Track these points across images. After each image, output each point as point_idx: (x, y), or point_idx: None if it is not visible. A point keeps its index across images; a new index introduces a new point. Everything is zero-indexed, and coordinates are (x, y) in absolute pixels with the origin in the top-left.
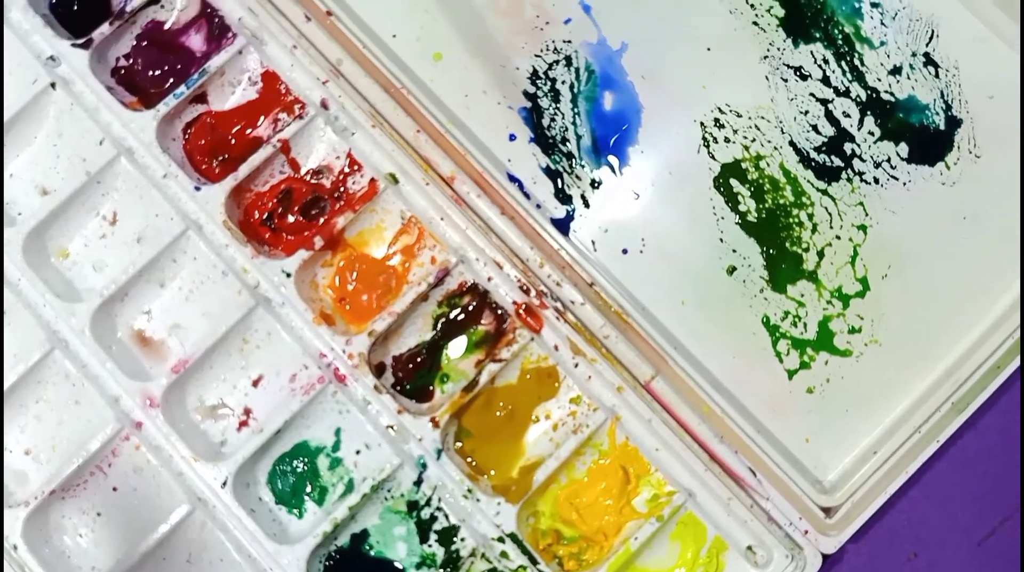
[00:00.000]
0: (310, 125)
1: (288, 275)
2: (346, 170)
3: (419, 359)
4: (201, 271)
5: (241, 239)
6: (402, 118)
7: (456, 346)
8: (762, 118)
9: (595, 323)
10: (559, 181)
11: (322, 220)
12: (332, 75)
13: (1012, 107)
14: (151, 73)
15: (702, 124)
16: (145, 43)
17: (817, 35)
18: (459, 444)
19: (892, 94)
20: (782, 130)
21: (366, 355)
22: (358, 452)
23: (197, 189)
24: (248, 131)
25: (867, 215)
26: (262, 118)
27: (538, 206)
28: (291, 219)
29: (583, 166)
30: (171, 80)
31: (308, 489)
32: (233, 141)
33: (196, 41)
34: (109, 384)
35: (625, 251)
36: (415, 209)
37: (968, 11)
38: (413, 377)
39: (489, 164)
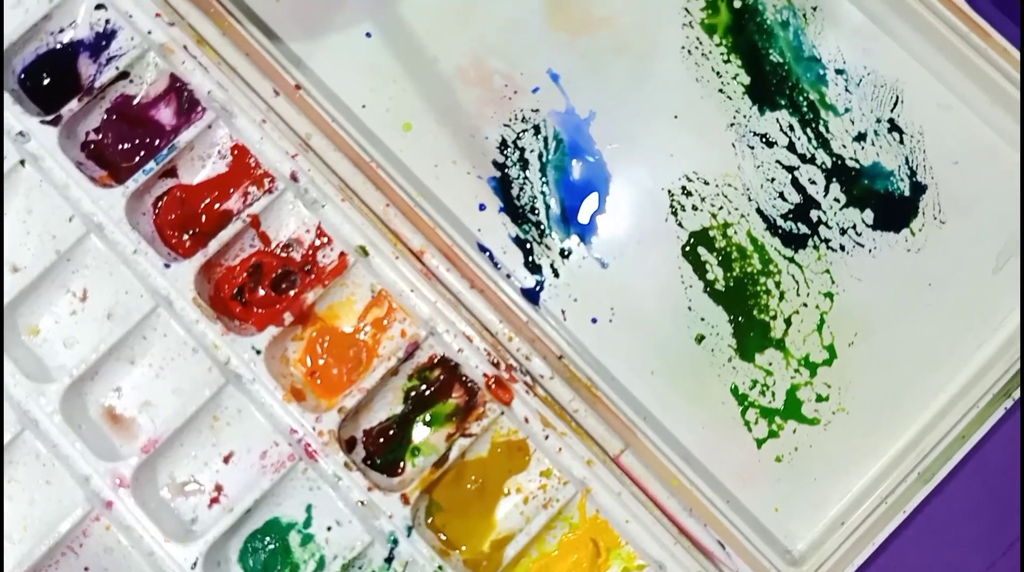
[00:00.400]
0: (280, 199)
1: (258, 352)
2: (316, 243)
3: (390, 433)
4: (171, 348)
5: (211, 316)
6: (371, 192)
7: (427, 419)
8: (729, 185)
9: (564, 397)
10: (529, 251)
11: (293, 293)
12: (301, 149)
13: (976, 173)
14: (121, 147)
15: (670, 192)
16: (115, 117)
17: (782, 102)
18: (430, 519)
19: (857, 161)
20: (749, 197)
21: (336, 432)
22: (329, 528)
23: (167, 266)
24: (218, 205)
25: (833, 282)
26: (232, 191)
27: (508, 276)
28: (262, 293)
29: (552, 236)
30: (141, 153)
31: (279, 567)
32: (203, 215)
33: (166, 115)
34: (79, 464)
35: (595, 320)
36: (385, 282)
37: (932, 77)
38: (384, 451)
39: (459, 236)
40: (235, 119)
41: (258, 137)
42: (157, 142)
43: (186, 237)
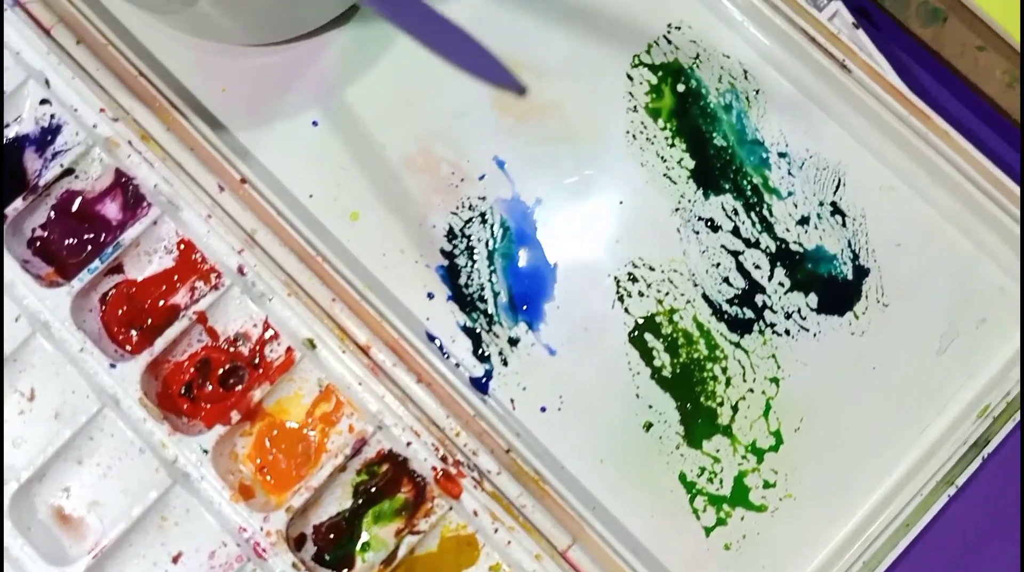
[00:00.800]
0: (226, 294)
1: (206, 451)
2: (264, 337)
3: (340, 528)
4: (119, 448)
5: (158, 416)
6: (318, 286)
7: (377, 514)
8: (675, 271)
9: (512, 492)
10: (478, 339)
11: (241, 388)
12: (247, 244)
13: (919, 254)
14: (68, 242)
15: (616, 279)
16: (61, 213)
17: (727, 186)
18: None
19: (801, 244)
20: (695, 283)
21: (284, 532)
22: None
23: (112, 366)
24: (165, 300)
25: (779, 367)
26: (179, 286)
27: (457, 365)
28: (210, 389)
29: (501, 323)
30: (88, 249)
31: None
32: (151, 310)
33: (112, 210)
34: (28, 568)
35: (544, 409)
36: (333, 376)
37: (874, 159)
38: (334, 547)
39: (406, 328)
40: (181, 213)
41: (204, 231)
42: (103, 237)
43: (134, 333)
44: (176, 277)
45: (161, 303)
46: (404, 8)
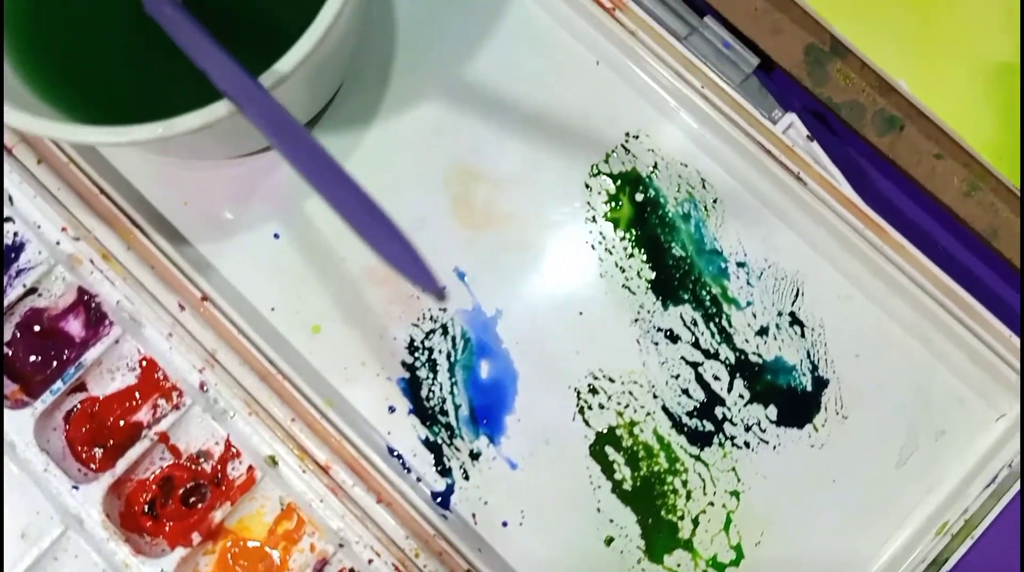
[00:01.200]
0: (188, 412)
1: None
2: (226, 456)
3: None
4: (83, 569)
5: (120, 537)
6: (277, 406)
7: None
8: (635, 383)
9: None
10: (439, 453)
11: (203, 506)
12: (208, 363)
13: (877, 365)
14: (32, 360)
15: (577, 391)
16: (25, 331)
17: (686, 297)
18: None
19: (760, 355)
20: (654, 395)
21: None
22: None
23: (75, 488)
24: (127, 419)
25: (739, 480)
26: (142, 404)
27: (418, 480)
28: (172, 506)
29: (462, 437)
30: (53, 365)
31: None
32: (115, 428)
33: (75, 327)
34: None
35: (505, 524)
36: (294, 494)
37: (832, 268)
38: None
39: (367, 445)
40: (143, 330)
41: (166, 349)
42: (68, 353)
43: (98, 451)
44: (138, 394)
45: (123, 423)
46: (328, 180)
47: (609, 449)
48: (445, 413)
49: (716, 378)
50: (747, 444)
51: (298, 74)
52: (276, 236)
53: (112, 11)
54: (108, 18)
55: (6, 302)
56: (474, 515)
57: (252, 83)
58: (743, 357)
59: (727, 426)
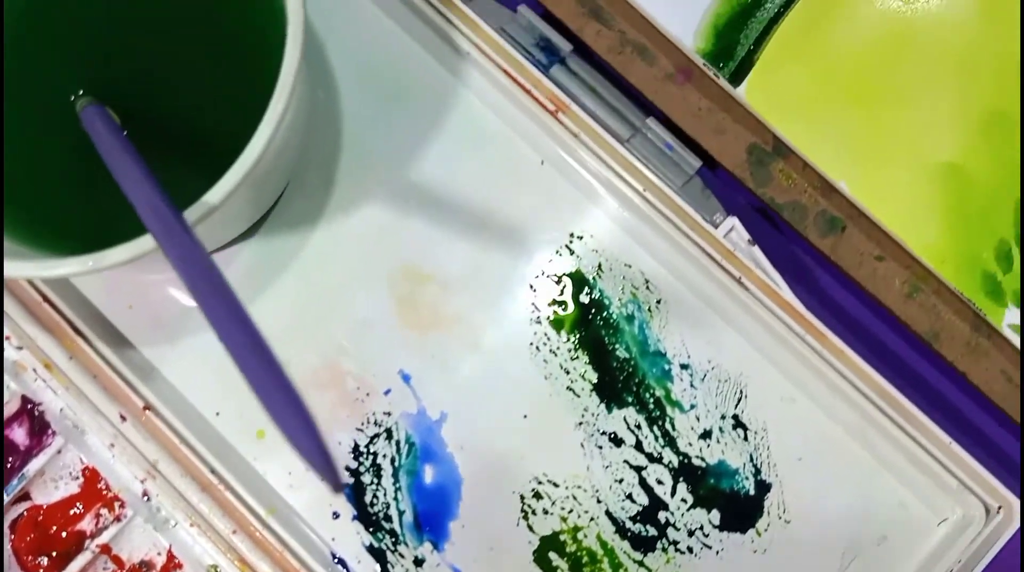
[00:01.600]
0: (130, 523)
1: None
2: (168, 566)
3: None
4: None
5: None
6: (219, 517)
7: None
8: (579, 487)
9: None
10: (384, 560)
11: None
12: (150, 474)
13: (819, 468)
14: None
15: (521, 496)
16: None
17: (630, 399)
18: None
19: (703, 459)
20: (598, 499)
21: None
22: None
23: None
24: (70, 528)
25: None
26: (85, 513)
27: None
28: None
29: (406, 544)
30: None
31: None
32: (56, 538)
33: (19, 435)
34: None
35: None
36: None
37: (775, 370)
38: None
39: (309, 556)
40: (86, 438)
41: (108, 458)
42: (12, 462)
43: (43, 559)
44: (81, 504)
45: (65, 533)
46: (241, 344)
47: (553, 555)
48: (389, 519)
49: (659, 482)
50: (690, 549)
51: (232, 199)
52: None
53: (56, 127)
54: (52, 135)
55: None
56: None
57: (175, 219)
58: (686, 461)
59: (670, 531)
